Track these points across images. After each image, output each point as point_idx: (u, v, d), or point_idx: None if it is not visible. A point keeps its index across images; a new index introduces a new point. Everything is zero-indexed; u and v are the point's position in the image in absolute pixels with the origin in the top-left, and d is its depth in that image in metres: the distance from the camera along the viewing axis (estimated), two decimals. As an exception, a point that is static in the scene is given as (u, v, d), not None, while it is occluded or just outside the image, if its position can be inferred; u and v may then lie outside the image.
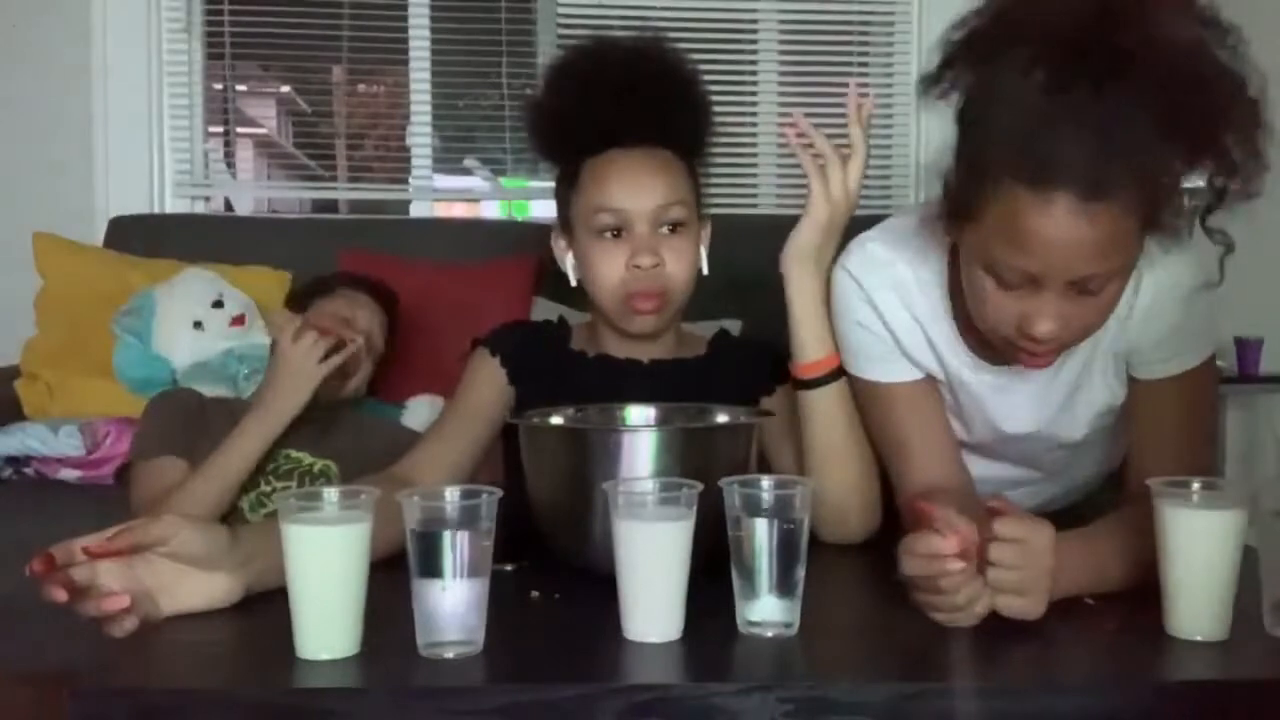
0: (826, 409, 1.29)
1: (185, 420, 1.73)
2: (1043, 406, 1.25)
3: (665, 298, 1.37)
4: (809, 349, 1.28)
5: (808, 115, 1.29)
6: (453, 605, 0.90)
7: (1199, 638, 0.95)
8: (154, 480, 1.63)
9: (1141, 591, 1.01)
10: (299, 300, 1.92)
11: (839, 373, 1.29)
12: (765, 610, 0.97)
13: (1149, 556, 0.99)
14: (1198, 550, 0.95)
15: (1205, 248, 1.12)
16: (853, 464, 1.29)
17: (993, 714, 0.85)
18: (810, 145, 1.26)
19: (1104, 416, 1.26)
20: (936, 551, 0.95)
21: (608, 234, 1.37)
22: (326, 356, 1.68)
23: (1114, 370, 1.22)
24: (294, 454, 1.74)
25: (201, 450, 1.66)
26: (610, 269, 1.37)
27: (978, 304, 1.11)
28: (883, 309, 1.24)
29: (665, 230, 1.37)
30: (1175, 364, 1.19)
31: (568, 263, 1.45)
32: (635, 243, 1.35)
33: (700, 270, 1.42)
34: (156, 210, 3.00)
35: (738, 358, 1.47)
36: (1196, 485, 0.98)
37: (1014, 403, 1.26)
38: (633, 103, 1.37)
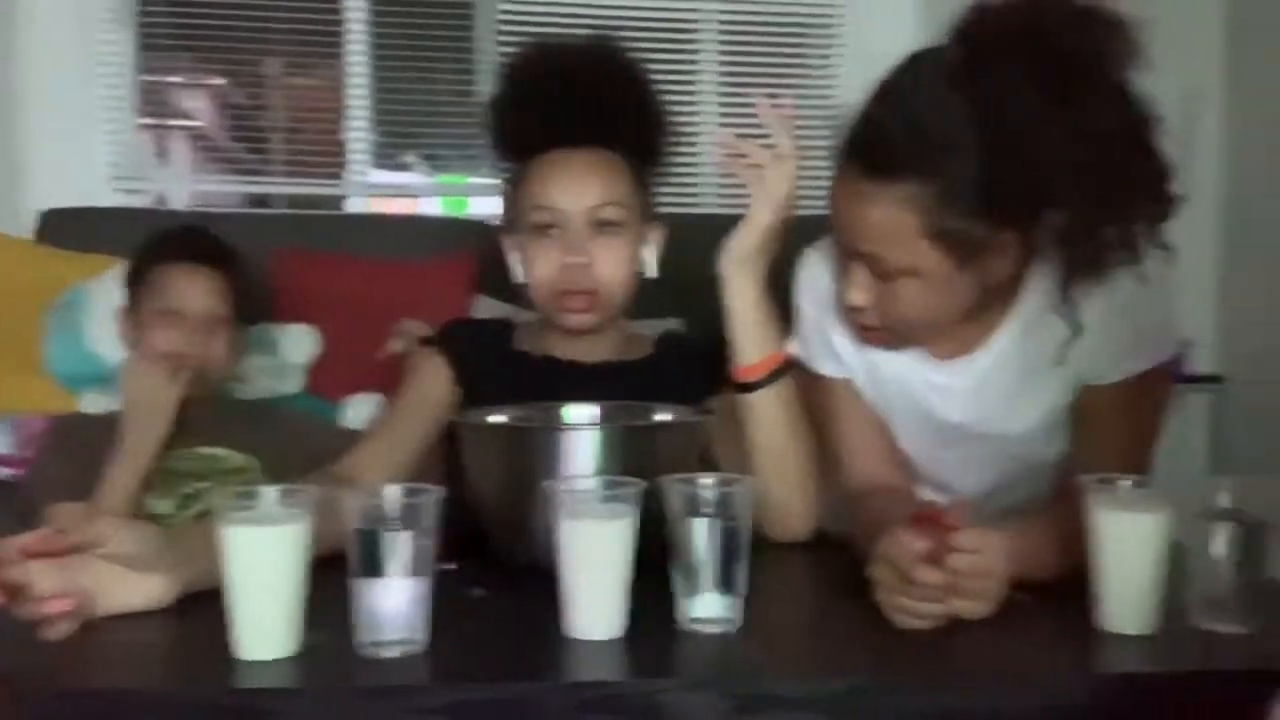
0: (767, 411, 1.30)
1: (81, 458, 1.69)
2: (978, 397, 1.28)
3: (596, 298, 1.37)
4: (748, 352, 1.29)
5: (749, 117, 1.30)
6: (395, 604, 0.90)
7: (1129, 632, 0.98)
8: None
9: (1074, 588, 1.03)
10: (130, 284, 1.83)
11: (778, 374, 1.30)
12: (707, 607, 0.97)
13: (1078, 550, 1.01)
14: (1127, 548, 0.98)
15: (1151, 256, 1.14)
16: (795, 465, 1.31)
17: (931, 708, 0.87)
18: (743, 156, 1.27)
19: (1050, 416, 1.28)
20: (913, 556, 0.97)
21: (543, 231, 1.37)
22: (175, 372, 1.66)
23: (1063, 380, 1.24)
24: (207, 451, 1.72)
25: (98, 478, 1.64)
26: (544, 266, 1.37)
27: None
28: (823, 301, 1.30)
29: (599, 230, 1.37)
30: (1121, 369, 1.22)
31: (514, 260, 1.44)
32: (568, 241, 1.36)
33: (644, 273, 1.42)
34: (88, 204, 2.94)
35: (684, 358, 1.47)
36: (1126, 484, 1.00)
37: (950, 395, 1.29)
38: (576, 104, 1.38)
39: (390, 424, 1.39)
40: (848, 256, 1.19)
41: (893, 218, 1.10)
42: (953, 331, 1.25)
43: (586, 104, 1.38)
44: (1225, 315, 3.46)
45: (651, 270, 1.43)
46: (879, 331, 1.23)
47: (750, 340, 1.29)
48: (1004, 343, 1.25)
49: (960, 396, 1.28)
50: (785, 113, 1.27)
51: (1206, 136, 3.33)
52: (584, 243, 1.36)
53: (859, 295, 1.19)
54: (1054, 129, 1.03)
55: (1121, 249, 1.09)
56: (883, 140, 1.11)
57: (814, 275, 1.34)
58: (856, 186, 1.13)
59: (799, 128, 1.28)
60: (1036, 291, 1.22)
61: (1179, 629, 0.99)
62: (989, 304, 1.22)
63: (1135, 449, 1.22)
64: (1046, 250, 1.14)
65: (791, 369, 1.31)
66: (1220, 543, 0.99)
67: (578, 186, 1.36)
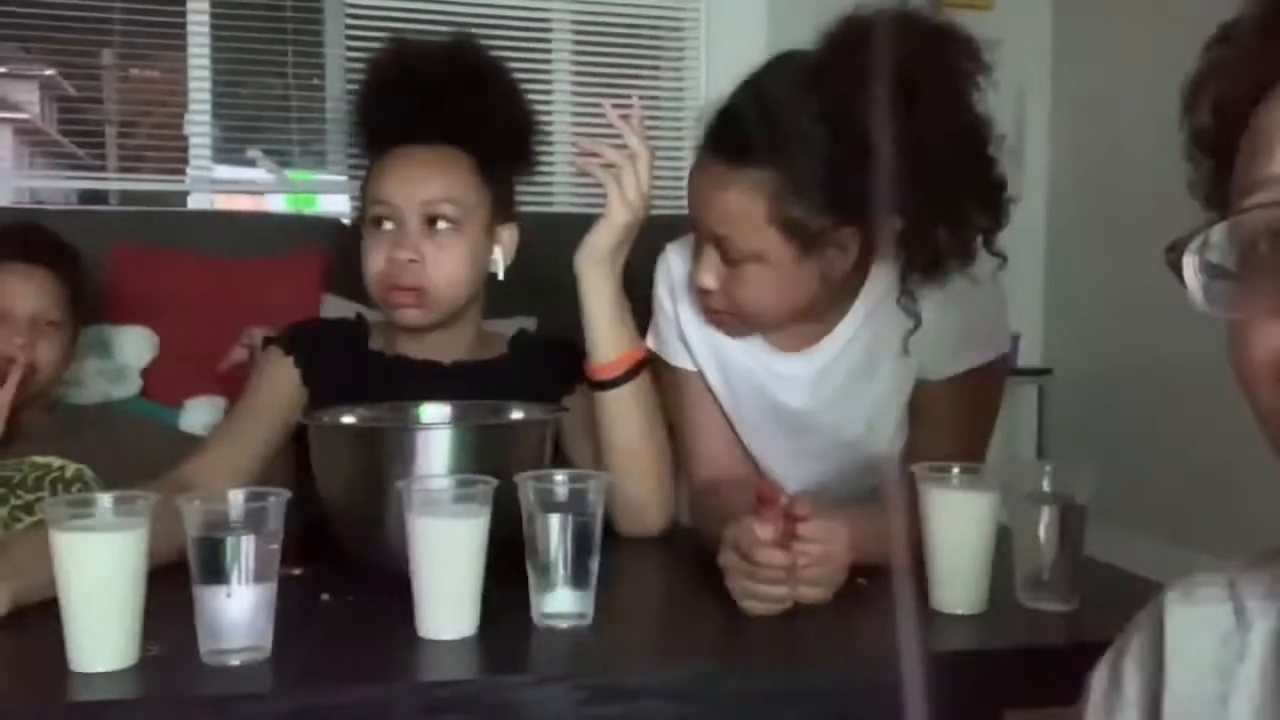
0: (622, 409, 1.31)
1: None
2: (819, 386, 1.33)
3: (424, 295, 1.35)
4: (604, 350, 1.30)
5: (603, 116, 1.31)
6: (239, 611, 0.88)
7: (960, 611, 1.03)
8: None
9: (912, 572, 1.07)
10: None
11: (634, 373, 1.31)
12: (560, 602, 0.98)
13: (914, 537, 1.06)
14: (956, 529, 1.03)
15: (980, 260, 1.23)
16: (650, 462, 1.32)
17: (777, 691, 0.90)
18: (598, 157, 1.29)
19: (887, 409, 1.33)
20: (760, 541, 1.00)
21: (377, 225, 1.36)
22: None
23: (900, 375, 1.30)
24: (40, 460, 1.65)
25: None
26: (374, 260, 1.36)
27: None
28: (679, 293, 1.35)
29: (433, 227, 1.36)
30: (953, 365, 1.28)
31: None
32: (398, 236, 1.35)
33: (490, 272, 1.42)
34: (-99, 199, 2.77)
35: (538, 357, 1.47)
36: (956, 470, 1.06)
37: (793, 384, 1.33)
38: (425, 102, 1.37)
39: (234, 427, 1.36)
40: (702, 240, 1.24)
41: (742, 202, 1.18)
42: (797, 326, 1.30)
43: (435, 102, 1.37)
44: (1051, 310, 3.65)
45: (499, 270, 1.42)
46: (724, 315, 1.28)
47: (606, 338, 1.30)
48: (845, 336, 1.31)
49: (803, 386, 1.33)
50: (633, 114, 1.29)
51: (1034, 131, 3.50)
52: (414, 239, 1.35)
53: (708, 278, 1.24)
54: (896, 136, 1.08)
55: (955, 253, 1.17)
56: (738, 128, 1.19)
57: (671, 268, 1.38)
58: (712, 171, 1.21)
59: (653, 127, 1.30)
60: (876, 289, 1.28)
61: (1007, 608, 1.04)
62: (832, 301, 1.28)
63: (969, 442, 1.28)
64: (886, 250, 1.20)
65: (646, 367, 1.33)
66: (1043, 525, 1.04)
67: (413, 182, 1.35)
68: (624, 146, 1.27)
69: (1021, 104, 3.39)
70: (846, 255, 1.21)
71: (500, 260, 1.42)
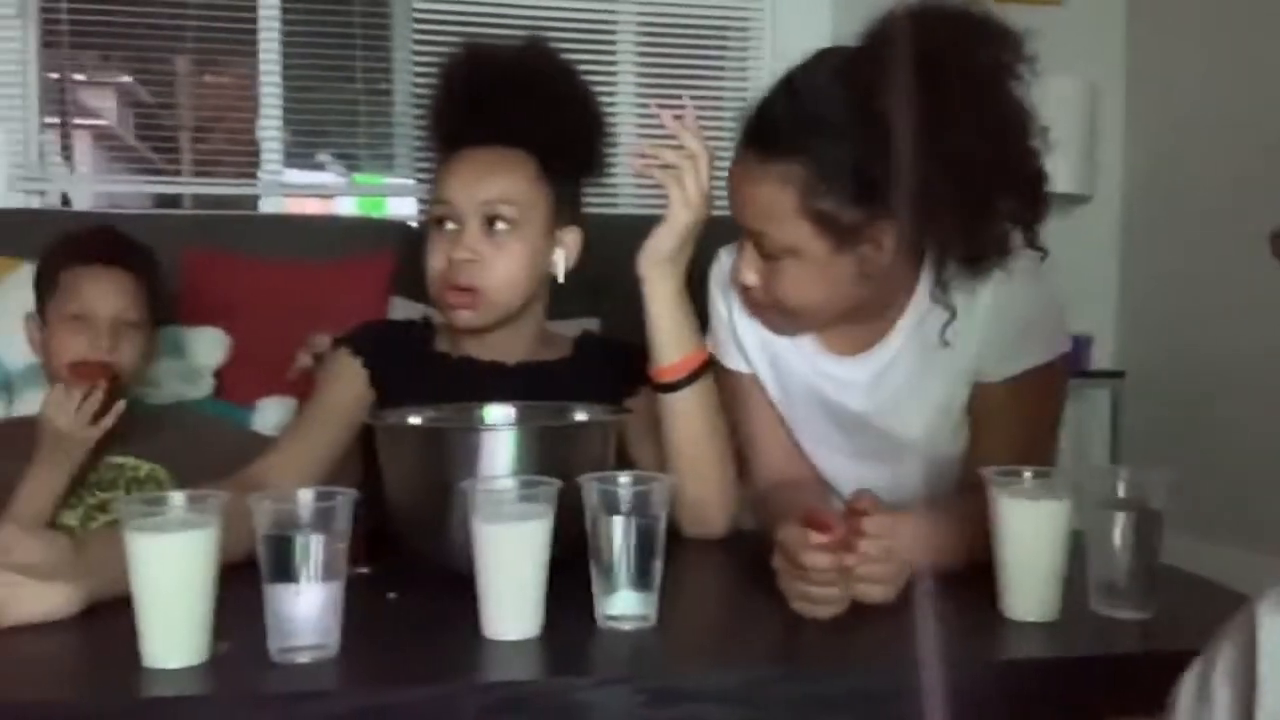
0: (685, 411, 1.30)
1: None
2: (877, 390, 1.31)
3: (480, 296, 1.36)
4: (667, 352, 1.30)
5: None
6: (306, 609, 0.89)
7: (1031, 619, 1.01)
8: None
9: (977, 576, 1.06)
10: (37, 287, 1.76)
11: (698, 375, 1.31)
12: (623, 604, 0.98)
13: (980, 542, 1.04)
14: (1029, 536, 1.01)
15: (1029, 256, 1.22)
16: (713, 464, 1.32)
17: (842, 695, 0.89)
18: (656, 159, 1.28)
19: (945, 412, 1.31)
20: (806, 544, 0.99)
21: (438, 225, 1.38)
22: (90, 391, 1.59)
23: (957, 377, 1.28)
24: (116, 459, 1.68)
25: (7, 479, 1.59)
26: (434, 259, 1.37)
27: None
28: (730, 297, 1.35)
29: (494, 229, 1.37)
30: (1013, 364, 1.26)
31: None
32: (458, 236, 1.36)
33: (553, 276, 1.42)
34: (-13, 205, 2.85)
35: (602, 358, 1.47)
36: (1028, 475, 1.03)
37: (849, 387, 1.32)
38: (492, 104, 1.38)
39: (303, 427, 1.38)
40: (744, 236, 1.25)
41: (774, 195, 1.18)
42: (851, 329, 1.29)
43: (501, 104, 1.38)
44: (1125, 311, 3.57)
45: (560, 273, 1.42)
46: (768, 312, 1.29)
47: (669, 341, 1.30)
48: (900, 339, 1.29)
49: (860, 389, 1.32)
50: (687, 115, 1.28)
51: (1107, 129, 3.43)
52: (473, 239, 1.35)
53: (748, 274, 1.26)
54: (926, 127, 1.08)
55: (991, 247, 1.18)
56: (770, 121, 1.20)
57: (724, 270, 1.37)
58: (746, 164, 1.21)
59: (715, 127, 1.30)
60: (927, 291, 1.26)
61: (1079, 615, 1.02)
62: (884, 302, 1.27)
63: (1030, 444, 1.25)
64: (920, 243, 1.20)
65: (709, 369, 1.33)
66: (1117, 531, 1.02)
67: (473, 183, 1.36)
68: (682, 148, 1.27)
69: (1094, 101, 3.32)
70: (883, 252, 1.19)
71: (561, 263, 1.42)
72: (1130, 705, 0.91)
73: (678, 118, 1.28)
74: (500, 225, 1.36)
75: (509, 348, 1.42)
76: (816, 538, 0.99)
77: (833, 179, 1.15)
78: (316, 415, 1.39)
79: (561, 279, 1.43)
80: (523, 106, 1.39)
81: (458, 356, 1.44)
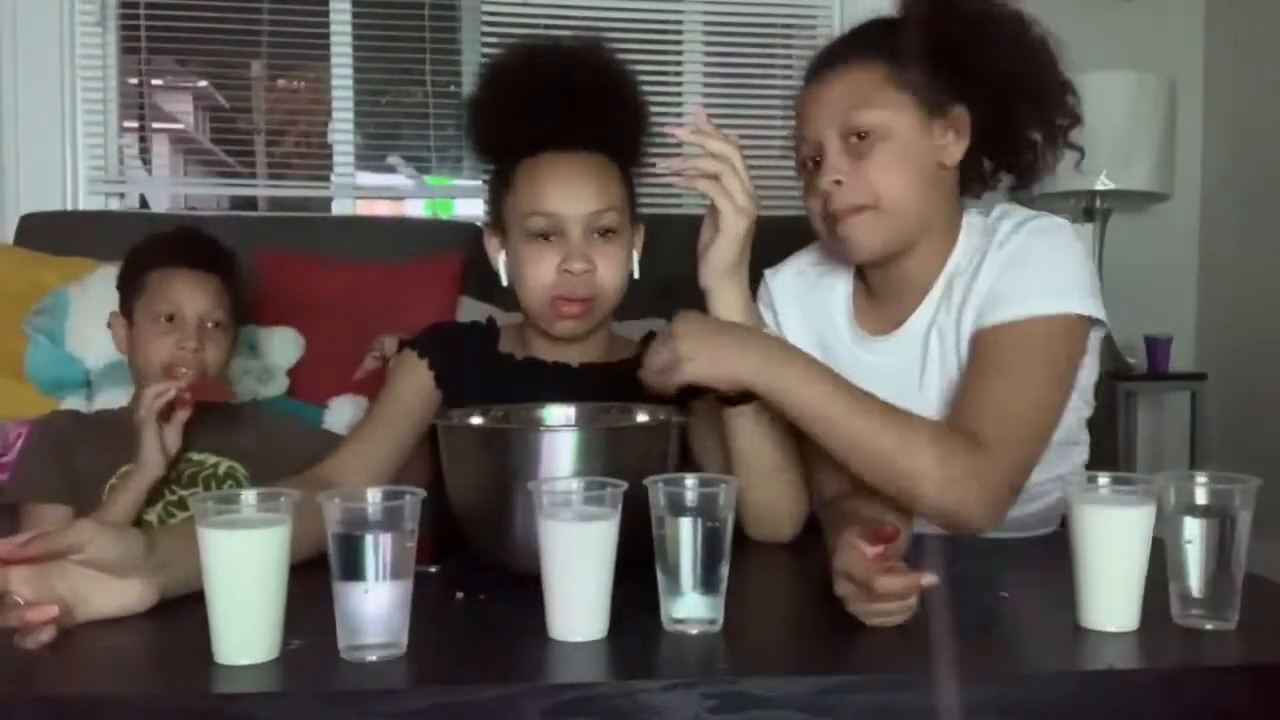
0: (750, 423, 1.28)
1: (67, 457, 1.69)
2: (903, 377, 1.33)
3: (593, 303, 1.37)
4: None
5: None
6: (375, 607, 0.90)
7: (1112, 629, 0.98)
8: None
9: (1055, 586, 1.03)
10: (123, 287, 1.81)
11: None
12: (689, 607, 0.97)
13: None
14: (1109, 545, 0.98)
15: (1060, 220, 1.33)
16: (778, 473, 1.30)
17: (909, 704, 0.87)
18: (695, 171, 1.24)
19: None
20: (878, 567, 0.96)
21: (540, 237, 1.36)
22: (177, 395, 1.64)
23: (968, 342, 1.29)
24: (195, 456, 1.71)
25: (87, 479, 1.63)
26: (541, 272, 1.36)
27: (808, 195, 1.37)
28: (779, 313, 1.45)
29: (597, 236, 1.37)
30: (1007, 310, 1.23)
31: (500, 263, 1.44)
32: (568, 247, 1.35)
33: (631, 275, 1.42)
34: (69, 207, 2.92)
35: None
36: (1107, 481, 1.01)
37: (878, 372, 1.30)
38: (569, 106, 1.37)
39: (372, 427, 1.39)
40: (821, 154, 1.32)
41: (858, 77, 1.31)
42: (881, 306, 1.39)
43: (577, 106, 1.37)
44: (1205, 312, 3.48)
45: (635, 271, 1.43)
46: (853, 213, 1.30)
47: None
48: (920, 321, 1.34)
49: (887, 374, 1.31)
50: (699, 120, 1.25)
51: (1186, 126, 3.34)
52: (586, 249, 1.35)
53: (834, 172, 1.30)
54: (979, 41, 1.30)
55: (1038, 147, 1.35)
56: (840, 42, 1.38)
57: (771, 291, 1.46)
58: (822, 75, 1.34)
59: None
60: (947, 274, 1.32)
61: (1160, 625, 0.99)
62: (930, 245, 1.34)
63: (1013, 402, 1.20)
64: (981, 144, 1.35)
65: None
66: (1198, 538, 0.99)
67: (576, 193, 1.36)
68: (712, 154, 1.22)
69: (1172, 98, 3.24)
70: (960, 141, 1.32)
71: (634, 261, 1.43)
72: (1214, 717, 0.89)
73: (694, 131, 1.23)
74: (607, 233, 1.37)
75: (578, 349, 1.43)
76: (874, 551, 0.97)
77: (911, 62, 1.29)
78: (384, 416, 1.40)
79: (636, 275, 1.43)
80: (598, 107, 1.38)
81: (523, 358, 1.44)
